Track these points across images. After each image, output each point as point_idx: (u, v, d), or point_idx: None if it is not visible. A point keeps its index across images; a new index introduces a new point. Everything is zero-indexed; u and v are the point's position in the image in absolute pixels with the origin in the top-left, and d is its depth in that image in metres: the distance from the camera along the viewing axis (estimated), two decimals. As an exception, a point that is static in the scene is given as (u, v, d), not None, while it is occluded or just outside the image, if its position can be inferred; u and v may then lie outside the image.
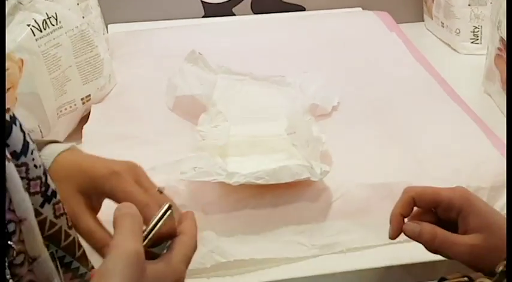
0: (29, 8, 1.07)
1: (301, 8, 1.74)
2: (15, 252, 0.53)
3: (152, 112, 1.19)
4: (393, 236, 0.77)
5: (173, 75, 1.21)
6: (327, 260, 0.93)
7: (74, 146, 0.74)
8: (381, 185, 0.98)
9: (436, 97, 1.24)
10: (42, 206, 0.59)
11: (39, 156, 0.59)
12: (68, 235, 0.63)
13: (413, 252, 0.86)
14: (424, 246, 0.76)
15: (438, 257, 0.77)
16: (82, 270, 0.64)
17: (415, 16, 1.72)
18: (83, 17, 1.20)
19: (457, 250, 0.74)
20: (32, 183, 0.58)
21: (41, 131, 1.09)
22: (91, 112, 1.19)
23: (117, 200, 0.68)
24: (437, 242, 0.75)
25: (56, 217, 0.61)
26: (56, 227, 0.61)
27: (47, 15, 1.08)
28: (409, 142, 1.09)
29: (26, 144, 0.57)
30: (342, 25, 1.57)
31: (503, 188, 0.98)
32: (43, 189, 0.59)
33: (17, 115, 1.05)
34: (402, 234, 0.77)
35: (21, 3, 1.06)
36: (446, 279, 0.75)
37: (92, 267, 0.66)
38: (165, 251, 0.61)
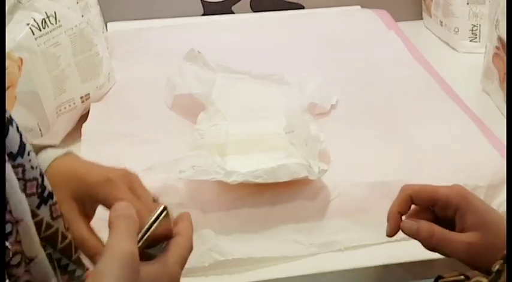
0: (28, 7, 1.07)
1: (300, 6, 1.74)
2: (11, 253, 0.53)
3: (151, 111, 1.20)
4: (391, 234, 0.78)
5: (172, 73, 1.22)
6: (325, 258, 0.93)
7: (70, 151, 0.73)
8: (378, 183, 0.98)
9: (435, 96, 1.25)
10: (38, 207, 0.59)
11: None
12: (64, 237, 0.63)
13: (411, 251, 0.87)
14: (422, 243, 0.76)
15: (436, 255, 0.77)
16: (78, 272, 0.64)
17: (414, 14, 1.72)
18: (82, 16, 1.20)
19: (455, 248, 0.74)
20: (28, 184, 0.58)
21: (40, 130, 1.09)
22: (90, 111, 1.19)
23: (110, 207, 0.66)
24: (434, 239, 0.75)
25: (53, 219, 0.61)
26: (53, 229, 0.61)
27: (46, 14, 1.09)
28: (407, 140, 1.09)
29: (22, 145, 0.57)
30: (341, 23, 1.57)
31: (500, 187, 0.99)
32: (39, 190, 0.59)
33: (16, 114, 1.06)
34: (400, 232, 0.78)
35: (20, 3, 1.06)
36: (443, 278, 0.76)
37: (87, 270, 0.66)
38: (161, 253, 0.61)
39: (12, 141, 0.56)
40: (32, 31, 1.06)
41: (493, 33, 1.25)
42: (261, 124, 1.10)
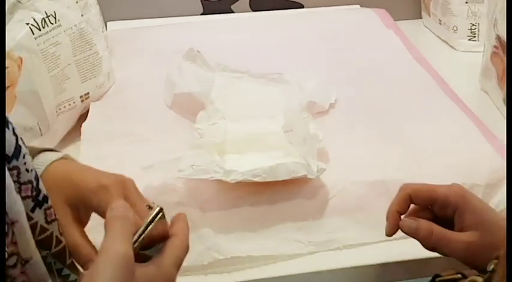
0: (28, 7, 1.07)
1: (299, 5, 1.75)
2: (7, 254, 0.53)
3: (150, 110, 1.20)
4: (390, 233, 0.78)
5: (171, 72, 1.22)
6: (324, 256, 0.93)
7: (67, 155, 0.73)
8: (377, 182, 0.99)
9: (433, 94, 1.25)
10: (33, 210, 0.59)
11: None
12: (59, 241, 0.63)
13: (409, 249, 0.87)
14: (421, 242, 0.77)
15: (434, 254, 0.77)
16: (72, 277, 0.64)
17: (413, 13, 1.72)
18: (82, 15, 1.20)
19: (454, 247, 0.74)
20: (23, 187, 0.58)
21: (40, 129, 1.09)
22: (90, 110, 1.20)
23: (103, 214, 0.65)
24: (433, 238, 0.75)
25: (48, 223, 0.61)
26: (47, 233, 0.61)
27: (46, 13, 1.09)
28: (405, 139, 1.09)
29: (18, 148, 0.57)
30: (340, 22, 1.57)
31: (498, 186, 0.99)
32: (34, 193, 0.59)
33: (16, 113, 1.06)
34: (398, 231, 0.78)
35: (20, 2, 1.06)
36: (440, 276, 0.76)
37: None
38: (157, 254, 0.61)
39: (7, 144, 0.56)
40: (32, 31, 1.06)
41: (491, 32, 1.26)
42: (259, 123, 1.11)
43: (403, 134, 1.11)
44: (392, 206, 0.78)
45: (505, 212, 0.63)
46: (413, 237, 0.77)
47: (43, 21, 1.08)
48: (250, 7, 1.74)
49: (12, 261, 0.55)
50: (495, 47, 1.24)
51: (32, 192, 0.59)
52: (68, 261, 0.64)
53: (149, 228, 0.59)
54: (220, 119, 1.10)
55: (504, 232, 0.60)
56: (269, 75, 1.25)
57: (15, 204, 0.54)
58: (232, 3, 1.73)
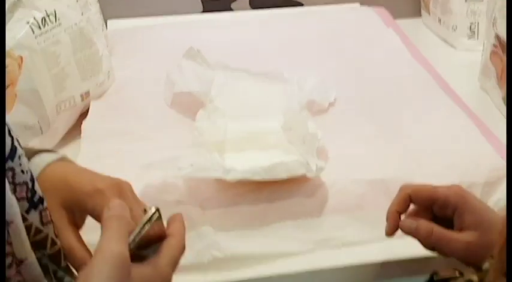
0: (28, 6, 1.07)
1: (299, 4, 1.75)
2: None
3: (150, 108, 1.20)
4: (390, 233, 0.78)
5: (171, 71, 1.22)
6: (323, 255, 0.93)
7: (64, 157, 0.72)
8: (376, 180, 0.99)
9: (432, 93, 1.25)
10: (28, 212, 0.59)
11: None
12: (54, 243, 0.62)
13: (408, 248, 0.87)
14: (421, 242, 0.77)
15: (433, 253, 0.78)
16: (67, 279, 0.64)
17: (413, 12, 1.73)
18: (82, 14, 1.20)
19: (454, 247, 0.75)
20: (18, 188, 0.57)
21: (40, 127, 1.10)
22: (90, 108, 1.20)
23: (98, 218, 0.65)
24: (433, 238, 0.75)
25: (43, 224, 0.60)
26: (42, 234, 0.60)
27: (46, 12, 1.09)
28: (405, 138, 1.10)
29: (13, 149, 0.57)
30: (340, 21, 1.57)
31: (497, 184, 0.99)
32: (29, 195, 0.59)
33: (16, 111, 1.06)
34: (398, 230, 0.78)
35: (20, 1, 1.07)
36: (438, 274, 0.77)
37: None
38: (153, 254, 0.61)
39: None
40: (32, 29, 1.06)
41: (490, 30, 1.26)
42: (259, 122, 1.11)
43: (402, 133, 1.11)
44: (392, 206, 0.79)
45: (505, 211, 0.63)
46: (413, 237, 0.77)
47: (43, 20, 1.08)
48: (250, 5, 1.74)
49: (7, 261, 0.55)
50: (494, 46, 1.24)
51: (27, 193, 0.58)
52: (63, 264, 0.64)
53: (145, 228, 0.59)
54: (219, 117, 1.10)
55: (496, 232, 0.61)
56: (269, 74, 1.25)
57: (11, 205, 0.54)
58: (232, 2, 1.73)
